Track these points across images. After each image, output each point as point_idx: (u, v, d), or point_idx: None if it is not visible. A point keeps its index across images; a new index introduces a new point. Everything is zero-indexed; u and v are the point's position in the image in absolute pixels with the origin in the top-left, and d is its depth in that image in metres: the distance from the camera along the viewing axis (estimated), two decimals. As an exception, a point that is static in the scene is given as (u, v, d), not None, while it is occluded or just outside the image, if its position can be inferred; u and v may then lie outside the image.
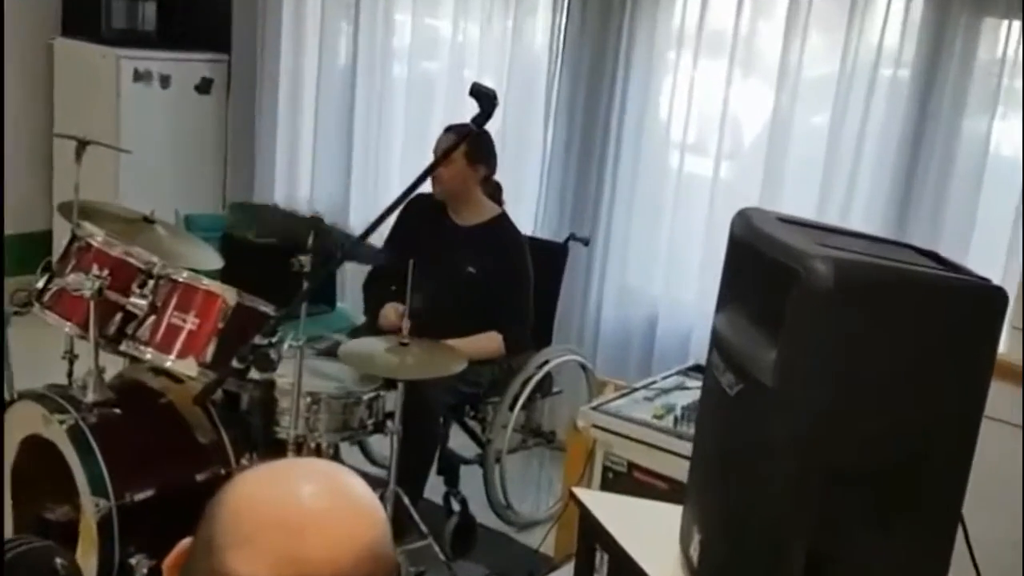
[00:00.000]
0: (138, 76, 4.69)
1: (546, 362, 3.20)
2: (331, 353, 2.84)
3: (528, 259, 3.11)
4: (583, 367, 3.41)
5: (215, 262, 3.08)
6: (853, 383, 1.22)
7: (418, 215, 3.17)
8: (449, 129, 3.05)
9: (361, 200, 4.56)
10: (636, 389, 2.67)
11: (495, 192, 3.20)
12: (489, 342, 3.04)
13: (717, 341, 1.49)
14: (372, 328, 3.10)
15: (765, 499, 1.27)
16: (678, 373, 2.83)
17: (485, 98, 1.81)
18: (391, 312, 3.02)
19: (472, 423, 3.26)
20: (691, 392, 2.62)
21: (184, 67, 4.85)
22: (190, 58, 4.88)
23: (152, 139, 4.80)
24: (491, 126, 2.02)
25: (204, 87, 4.95)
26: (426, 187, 2.96)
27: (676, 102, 3.59)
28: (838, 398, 1.22)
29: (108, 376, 2.58)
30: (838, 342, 1.22)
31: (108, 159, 4.19)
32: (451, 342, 2.82)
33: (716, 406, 1.47)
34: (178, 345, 2.46)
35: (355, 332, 3.20)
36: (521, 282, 3.09)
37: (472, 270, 3.07)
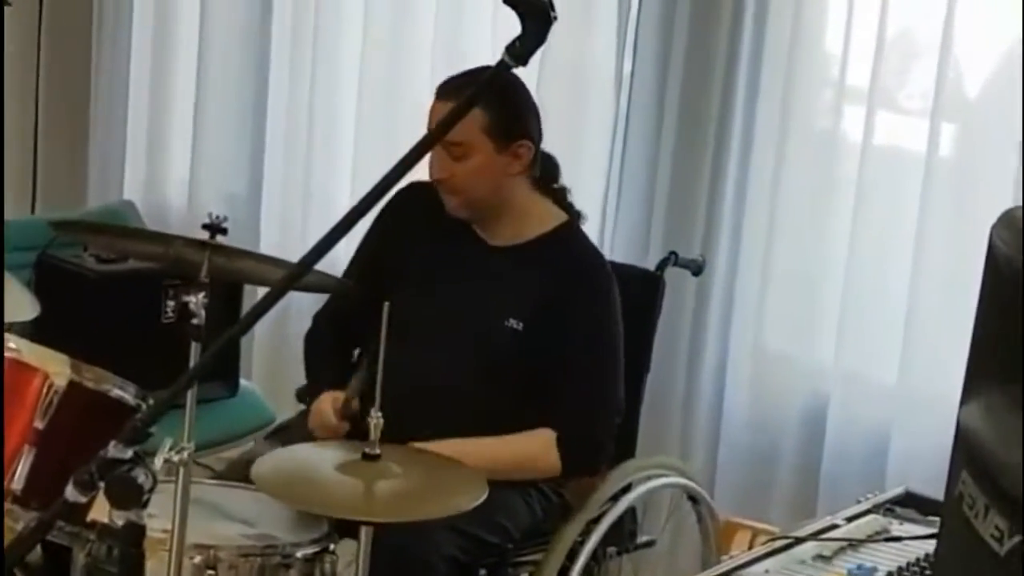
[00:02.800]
0: None
1: (626, 488, 3.19)
2: (238, 474, 2.82)
3: (617, 305, 3.11)
4: (692, 498, 3.39)
5: (25, 308, 3.08)
6: None
7: (411, 221, 3.18)
8: (449, 89, 3.03)
9: (282, 201, 4.58)
10: (798, 540, 2.63)
11: (549, 177, 3.20)
12: (534, 449, 3.04)
13: (969, 453, 1.46)
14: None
15: None
16: (874, 510, 2.79)
17: (533, 8, 1.78)
18: (327, 408, 3.00)
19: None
20: (903, 547, 2.59)
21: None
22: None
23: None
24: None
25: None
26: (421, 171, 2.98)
27: (855, 23, 3.60)
28: None
29: None
30: None
31: None
32: (464, 445, 2.83)
33: (968, 575, 1.44)
34: (-37, 461, 2.44)
35: (279, 432, 3.19)
36: (601, 346, 3.09)
37: (514, 324, 3.07)
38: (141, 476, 2.01)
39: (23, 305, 3.11)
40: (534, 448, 3.05)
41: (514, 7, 1.82)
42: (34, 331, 3.30)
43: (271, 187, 4.62)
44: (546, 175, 3.20)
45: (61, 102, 5.16)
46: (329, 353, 3.27)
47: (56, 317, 3.32)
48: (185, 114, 4.80)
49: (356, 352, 3.26)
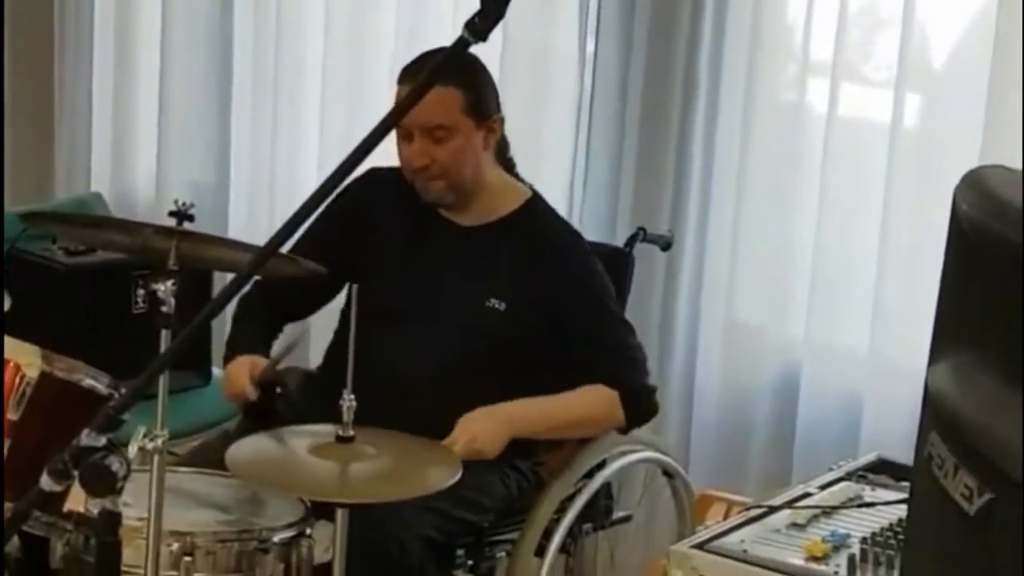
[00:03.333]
0: None
1: (600, 465, 3.21)
2: (208, 461, 2.83)
3: (597, 262, 3.14)
4: (667, 473, 3.41)
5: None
6: None
7: (372, 208, 3.19)
8: (411, 73, 3.02)
9: (250, 189, 4.60)
10: (772, 509, 2.65)
11: (500, 153, 3.21)
12: (598, 405, 3.05)
13: (937, 414, 1.47)
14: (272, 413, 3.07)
15: None
16: (847, 477, 2.81)
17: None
18: (240, 372, 2.99)
19: (469, 579, 3.27)
20: (876, 512, 2.61)
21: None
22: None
23: None
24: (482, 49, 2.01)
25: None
26: (384, 157, 2.97)
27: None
28: None
29: None
30: None
31: None
32: (532, 404, 2.92)
33: (939, 535, 1.45)
34: (-64, 455, 2.44)
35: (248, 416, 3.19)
36: (610, 301, 3.12)
37: (495, 304, 3.06)
38: (115, 464, 2.01)
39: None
40: (598, 405, 3.06)
41: (470, -16, 1.82)
42: (5, 325, 3.30)
43: (238, 175, 4.61)
44: (500, 154, 3.21)
45: (25, 96, 5.12)
46: (256, 321, 3.25)
47: (27, 310, 3.33)
48: (150, 104, 4.78)
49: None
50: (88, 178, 4.92)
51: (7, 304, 3.12)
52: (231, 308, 4.33)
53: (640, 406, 3.10)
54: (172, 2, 4.67)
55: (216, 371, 4.07)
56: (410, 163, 3.04)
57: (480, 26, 1.86)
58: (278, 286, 3.22)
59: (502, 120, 3.11)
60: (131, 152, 4.89)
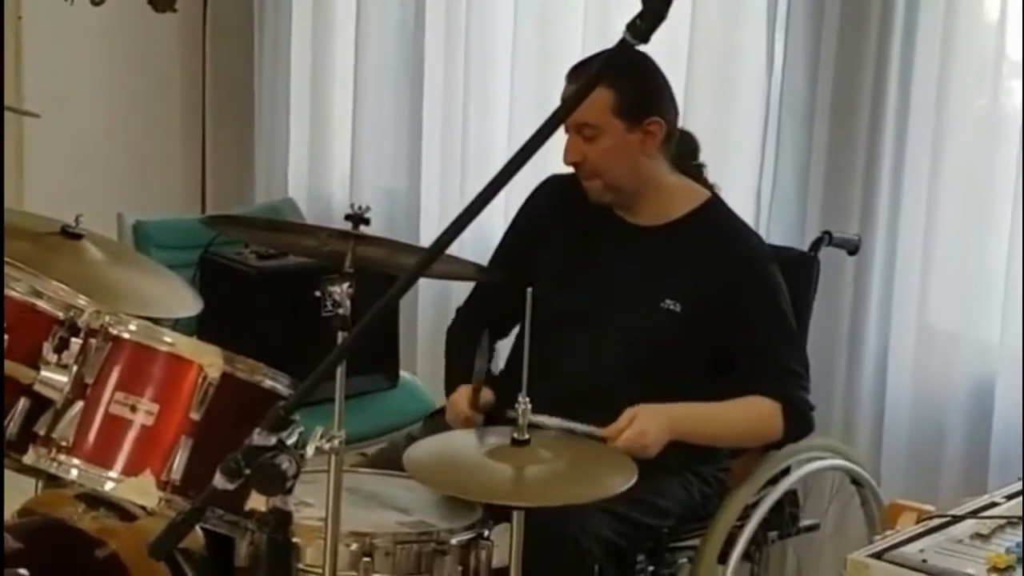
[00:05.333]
0: (54, -15, 4.85)
1: (785, 471, 3.17)
2: (393, 462, 2.86)
3: (775, 268, 3.09)
4: (855, 481, 3.36)
5: (188, 304, 3.16)
6: None
7: (551, 213, 3.20)
8: (578, 73, 3.03)
9: (441, 194, 4.67)
10: (956, 518, 2.58)
11: (686, 155, 3.18)
12: (760, 417, 3.01)
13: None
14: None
15: None
16: (1036, 489, 2.73)
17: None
18: (460, 400, 3.03)
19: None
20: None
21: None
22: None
23: (77, 93, 4.96)
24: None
25: (165, 1, 5.11)
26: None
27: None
28: None
29: (8, 512, 2.65)
30: None
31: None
32: (698, 409, 2.91)
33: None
34: (124, 453, 2.51)
35: (433, 421, 3.23)
36: (784, 310, 3.07)
37: (671, 305, 3.05)
38: (285, 463, 2.04)
39: (187, 302, 3.19)
40: (760, 419, 3.03)
41: (630, -13, 1.81)
42: (198, 327, 3.40)
43: (429, 181, 4.68)
44: (685, 153, 3.18)
45: (227, 107, 5.29)
46: (467, 349, 3.23)
47: (219, 313, 3.41)
48: (344, 113, 4.90)
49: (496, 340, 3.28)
50: (285, 185, 5.06)
51: (200, 307, 3.19)
52: (418, 313, 4.47)
53: (801, 422, 3.06)
54: (365, 15, 4.79)
55: (404, 374, 4.14)
56: (565, 158, 3.05)
57: (642, 27, 1.85)
58: (479, 306, 3.29)
59: (662, 125, 3.04)
60: (326, 160, 5.02)
